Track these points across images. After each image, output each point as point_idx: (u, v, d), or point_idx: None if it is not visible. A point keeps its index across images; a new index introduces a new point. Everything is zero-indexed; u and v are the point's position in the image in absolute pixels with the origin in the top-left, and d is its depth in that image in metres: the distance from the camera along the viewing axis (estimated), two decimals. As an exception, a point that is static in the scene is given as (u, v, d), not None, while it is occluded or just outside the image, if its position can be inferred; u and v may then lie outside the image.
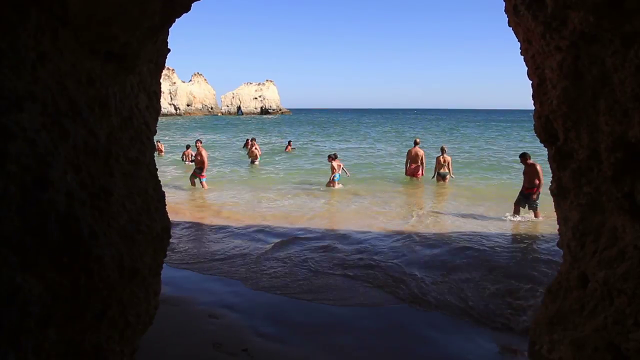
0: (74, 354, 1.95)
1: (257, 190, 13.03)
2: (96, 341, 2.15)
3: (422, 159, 14.43)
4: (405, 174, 14.74)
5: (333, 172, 13.47)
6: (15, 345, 1.36)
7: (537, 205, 9.59)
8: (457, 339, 4.41)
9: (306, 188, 13.36)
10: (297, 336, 4.39)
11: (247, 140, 20.70)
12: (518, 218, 9.57)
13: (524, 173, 9.99)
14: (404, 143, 29.71)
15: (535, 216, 9.57)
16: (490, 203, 11.03)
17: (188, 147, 20.25)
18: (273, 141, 32.01)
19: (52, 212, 1.69)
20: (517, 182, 14.28)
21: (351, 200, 11.56)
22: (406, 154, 15.12)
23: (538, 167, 9.70)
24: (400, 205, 11.17)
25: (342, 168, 14.24)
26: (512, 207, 9.82)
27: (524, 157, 10.08)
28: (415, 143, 14.85)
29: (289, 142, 25.34)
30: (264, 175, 16.54)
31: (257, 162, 19.10)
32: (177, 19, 3.09)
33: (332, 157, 13.83)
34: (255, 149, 19.68)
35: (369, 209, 10.57)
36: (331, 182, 13.38)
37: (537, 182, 9.57)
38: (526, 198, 9.70)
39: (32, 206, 1.59)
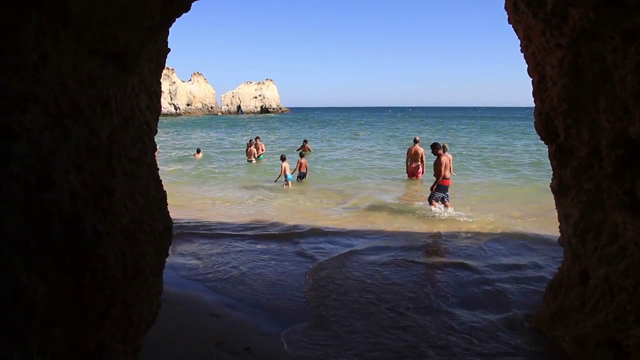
0: (78, 352, 1.96)
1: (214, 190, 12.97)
2: (100, 340, 2.16)
3: (422, 157, 14.24)
4: (407, 173, 14.59)
5: (285, 173, 13.51)
6: (20, 345, 1.37)
7: (443, 197, 9.82)
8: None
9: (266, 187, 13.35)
10: (299, 335, 4.40)
11: (251, 140, 20.83)
12: (439, 211, 9.68)
13: (434, 164, 10.19)
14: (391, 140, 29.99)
15: (445, 206, 9.78)
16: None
17: (198, 150, 20.80)
18: (289, 141, 31.77)
19: (56, 212, 1.70)
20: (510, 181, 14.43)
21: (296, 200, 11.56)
22: (406, 152, 14.94)
23: (442, 159, 9.89)
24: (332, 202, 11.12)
25: (305, 167, 14.27)
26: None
27: (434, 147, 10.28)
28: (415, 141, 14.58)
29: (304, 141, 24.85)
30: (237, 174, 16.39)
31: (254, 161, 19.19)
32: (177, 19, 3.10)
33: (283, 158, 13.91)
34: (256, 147, 19.77)
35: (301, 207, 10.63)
36: (285, 183, 13.44)
37: (440, 172, 9.80)
38: (442, 190, 9.93)
39: (35, 206, 1.60)
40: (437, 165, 9.92)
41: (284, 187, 13.20)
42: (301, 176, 14.11)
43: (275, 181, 13.84)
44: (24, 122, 1.60)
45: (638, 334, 3.04)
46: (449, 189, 10.00)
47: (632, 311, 3.11)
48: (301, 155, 14.58)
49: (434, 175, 10.08)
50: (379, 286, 5.62)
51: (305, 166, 14.23)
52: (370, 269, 6.27)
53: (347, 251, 7.11)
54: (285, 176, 13.40)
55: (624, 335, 3.16)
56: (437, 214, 9.49)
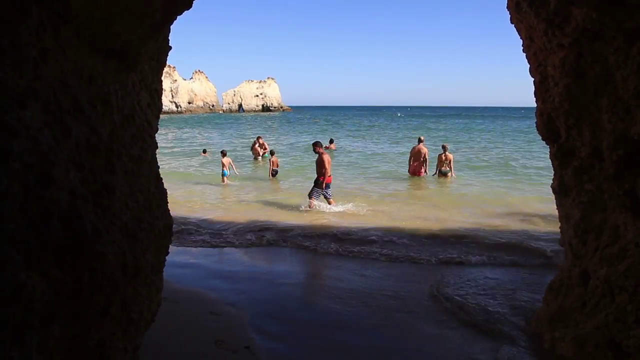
0: (77, 350, 1.96)
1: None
2: (99, 338, 2.16)
3: (425, 156, 14.40)
4: (408, 171, 14.75)
5: (223, 168, 14.05)
6: (19, 342, 1.37)
7: (325, 194, 10.21)
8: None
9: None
10: (299, 334, 4.40)
11: (255, 141, 21.12)
12: (317, 208, 10.01)
13: (316, 162, 10.50)
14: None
15: (329, 203, 10.14)
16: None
17: (204, 151, 21.35)
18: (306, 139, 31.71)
19: (55, 210, 1.70)
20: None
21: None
22: (409, 151, 15.13)
23: (324, 157, 10.20)
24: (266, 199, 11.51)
25: (277, 164, 14.98)
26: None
27: (315, 145, 10.60)
28: (420, 141, 14.79)
29: (331, 140, 24.33)
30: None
31: (259, 159, 19.44)
32: (178, 16, 3.09)
33: (223, 154, 14.48)
34: (259, 146, 19.97)
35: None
36: (222, 178, 13.97)
37: (323, 170, 10.11)
38: (318, 186, 10.22)
39: (35, 204, 1.59)
40: (320, 163, 10.28)
41: (222, 182, 13.87)
42: (273, 173, 14.78)
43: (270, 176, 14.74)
44: (23, 119, 1.60)
45: (638, 334, 3.03)
46: (330, 186, 10.42)
47: (632, 312, 3.10)
48: (272, 154, 15.46)
49: (317, 173, 10.42)
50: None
51: (277, 164, 15.02)
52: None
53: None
54: (222, 172, 14.01)
55: (623, 336, 3.15)
56: (317, 209, 9.92)
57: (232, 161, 14.71)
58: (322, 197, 10.33)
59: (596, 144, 3.52)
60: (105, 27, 2.26)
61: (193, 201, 11.25)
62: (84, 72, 2.20)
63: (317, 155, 10.44)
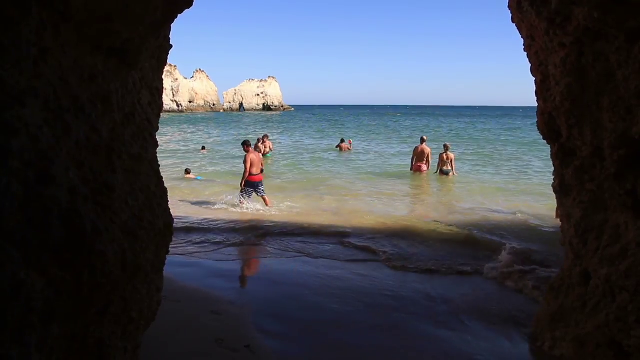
0: (77, 349, 1.96)
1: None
2: (99, 337, 2.16)
3: (428, 156, 14.51)
4: (411, 169, 14.93)
5: (189, 175, 14.66)
6: (18, 341, 1.36)
7: (255, 192, 10.31)
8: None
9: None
10: (299, 333, 4.41)
11: (259, 138, 21.19)
12: (246, 206, 10.05)
13: (243, 161, 10.61)
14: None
15: (266, 204, 10.22)
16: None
17: (203, 147, 21.45)
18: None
19: (55, 208, 1.69)
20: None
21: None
22: (412, 150, 15.30)
23: (249, 156, 10.30)
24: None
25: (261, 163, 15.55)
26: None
27: (243, 144, 10.74)
28: (422, 140, 14.88)
29: (342, 140, 24.23)
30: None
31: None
32: (179, 15, 3.09)
33: (187, 171, 14.91)
34: (263, 145, 20.01)
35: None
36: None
37: (246, 169, 10.21)
38: (251, 186, 10.33)
39: (34, 202, 1.59)
40: (245, 163, 10.37)
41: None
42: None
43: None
44: (23, 117, 1.59)
45: (639, 334, 3.03)
46: (261, 184, 10.43)
47: (632, 312, 3.10)
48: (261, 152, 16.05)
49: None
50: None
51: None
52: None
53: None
54: (196, 177, 14.66)
55: (624, 335, 3.15)
56: (245, 209, 9.96)
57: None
58: (254, 196, 10.34)
59: (597, 144, 3.51)
60: (106, 25, 2.25)
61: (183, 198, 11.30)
62: (85, 70, 2.20)
63: (245, 154, 10.53)
